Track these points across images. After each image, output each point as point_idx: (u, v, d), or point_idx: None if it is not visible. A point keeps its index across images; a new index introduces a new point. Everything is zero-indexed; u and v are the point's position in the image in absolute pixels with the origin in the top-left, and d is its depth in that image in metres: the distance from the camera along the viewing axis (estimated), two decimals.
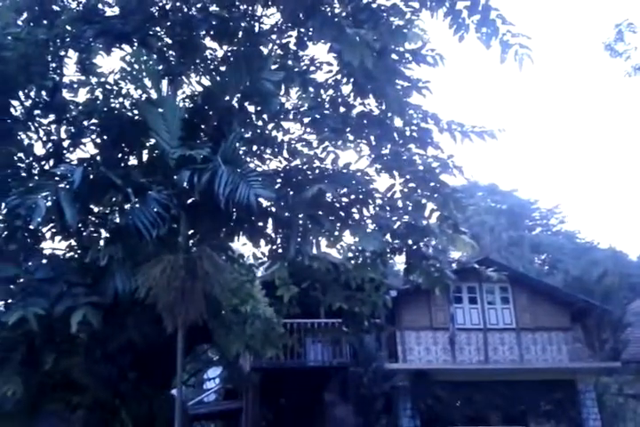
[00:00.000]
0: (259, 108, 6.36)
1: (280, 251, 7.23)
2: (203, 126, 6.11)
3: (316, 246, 6.52)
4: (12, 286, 5.88)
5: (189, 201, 5.80)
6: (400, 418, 14.25)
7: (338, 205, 6.74)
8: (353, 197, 6.72)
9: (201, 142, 5.78)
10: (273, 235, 6.99)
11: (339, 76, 6.77)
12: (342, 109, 6.91)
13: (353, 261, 7.67)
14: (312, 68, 6.82)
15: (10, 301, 5.82)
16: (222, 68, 6.52)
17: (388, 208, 6.78)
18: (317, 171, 6.86)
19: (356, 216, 6.77)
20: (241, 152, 5.82)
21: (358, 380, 14.22)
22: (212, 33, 6.47)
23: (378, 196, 6.84)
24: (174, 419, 6.42)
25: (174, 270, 5.59)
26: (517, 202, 37.14)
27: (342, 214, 6.72)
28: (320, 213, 6.38)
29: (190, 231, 6.11)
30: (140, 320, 6.59)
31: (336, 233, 6.80)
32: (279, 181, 6.49)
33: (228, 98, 5.96)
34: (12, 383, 6.56)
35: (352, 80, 6.59)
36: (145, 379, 7.66)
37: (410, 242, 7.05)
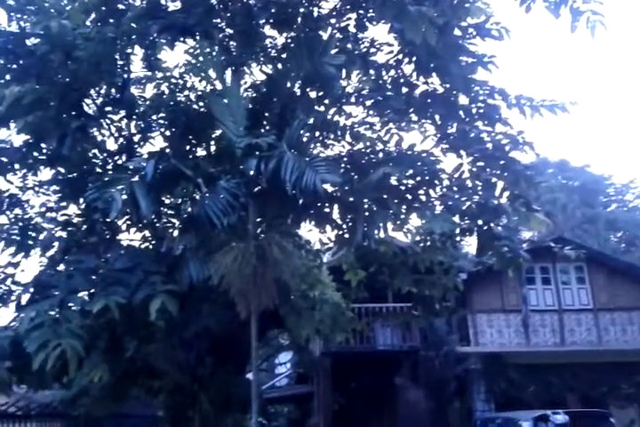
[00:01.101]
0: (320, 94, 6.33)
1: (346, 236, 7.22)
2: (267, 114, 6.15)
3: (382, 230, 6.46)
4: (93, 277, 6.13)
5: (257, 189, 5.86)
6: (474, 402, 14.10)
7: (403, 188, 6.65)
8: (419, 178, 6.60)
9: (266, 130, 5.81)
10: (339, 220, 6.99)
11: (400, 56, 6.65)
12: (405, 90, 6.79)
13: (421, 244, 7.57)
14: (372, 50, 6.73)
15: (92, 291, 6.07)
16: (283, 56, 6.53)
17: (456, 189, 6.63)
18: (381, 154, 6.78)
19: (423, 198, 6.66)
20: (305, 138, 5.82)
21: (429, 364, 14.12)
22: (271, 21, 6.48)
23: (445, 176, 6.70)
24: (250, 402, 6.59)
25: (245, 258, 5.68)
26: (590, 178, 35.52)
27: (409, 197, 6.63)
28: (386, 196, 6.31)
29: (258, 219, 6.18)
30: (215, 307, 6.76)
31: (402, 216, 6.72)
32: (343, 165, 6.45)
33: (290, 85, 5.96)
34: (98, 369, 6.89)
35: (414, 59, 6.46)
36: (221, 364, 7.88)
37: (480, 222, 6.88)
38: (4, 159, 6.77)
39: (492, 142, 6.57)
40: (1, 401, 8.43)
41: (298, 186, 5.20)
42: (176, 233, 6.49)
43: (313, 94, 6.41)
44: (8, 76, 6.02)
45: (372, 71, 6.65)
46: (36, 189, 7.52)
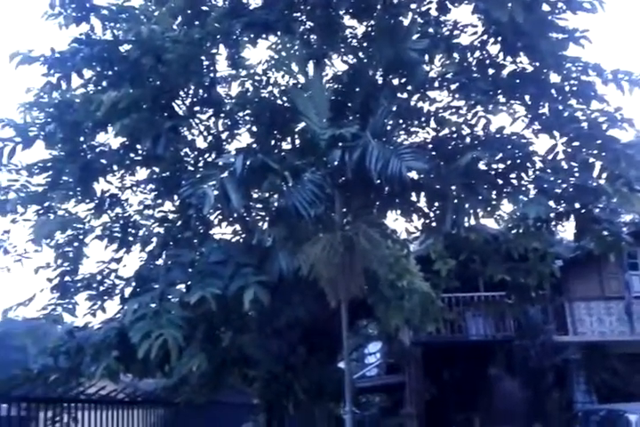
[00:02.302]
0: (403, 80, 6.25)
1: (434, 224, 7.09)
2: (350, 105, 6.14)
3: (472, 217, 6.29)
4: (190, 270, 6.38)
5: (342, 179, 5.88)
6: (573, 393, 13.53)
7: (493, 173, 6.43)
8: (510, 162, 6.36)
9: (349, 121, 5.81)
10: (426, 208, 6.88)
11: (485, 37, 6.43)
12: (491, 71, 6.55)
13: (514, 231, 7.30)
14: (456, 33, 6.55)
15: (189, 283, 6.33)
16: (364, 45, 6.49)
17: (550, 171, 6.30)
18: (469, 138, 6.59)
19: (515, 182, 6.41)
20: (389, 126, 5.76)
21: (525, 353, 13.67)
22: (351, 11, 6.44)
23: (538, 159, 6.40)
24: (342, 391, 6.64)
25: (333, 248, 5.72)
26: None
27: (499, 182, 6.40)
28: (475, 181, 6.13)
29: (344, 209, 6.19)
30: (305, 297, 6.86)
31: (493, 202, 6.50)
32: (429, 152, 6.33)
33: (372, 73, 5.92)
34: (196, 359, 7.19)
35: (500, 39, 6.21)
36: (313, 353, 8.00)
37: (578, 205, 6.53)
38: (104, 161, 7.19)
39: (588, 121, 6.21)
40: (110, 389, 8.96)
41: (383, 175, 5.16)
42: (265, 226, 6.64)
43: (396, 81, 6.33)
44: (105, 83, 6.37)
45: (455, 54, 6.46)
46: (134, 188, 7.94)
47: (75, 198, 7.50)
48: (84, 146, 7.05)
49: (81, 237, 7.79)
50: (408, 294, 8.01)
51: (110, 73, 6.32)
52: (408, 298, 7.98)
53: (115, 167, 7.39)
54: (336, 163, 5.41)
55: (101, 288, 7.87)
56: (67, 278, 7.79)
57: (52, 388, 7.53)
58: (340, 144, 5.32)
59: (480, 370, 14.38)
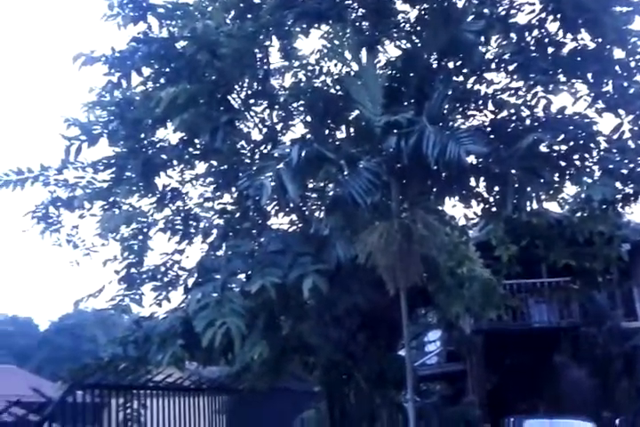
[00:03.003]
0: (459, 63, 6.12)
1: (494, 209, 6.94)
2: (404, 90, 6.07)
3: (535, 201, 6.12)
4: (250, 260, 6.50)
5: (398, 166, 5.83)
6: None
7: (556, 154, 6.22)
8: (572, 143, 6.13)
9: (404, 107, 5.75)
10: (485, 193, 6.74)
11: (543, 15, 6.19)
12: (551, 50, 6.31)
13: (578, 214, 7.06)
14: (512, 12, 6.33)
15: (249, 272, 6.45)
16: (418, 29, 6.38)
17: (616, 151, 6.06)
18: (528, 120, 6.39)
19: (579, 164, 6.18)
20: (445, 111, 5.67)
21: (591, 340, 13.28)
22: None
23: (602, 139, 6.14)
24: (403, 379, 6.64)
25: (390, 235, 5.70)
26: None
27: (562, 164, 6.19)
28: (536, 164, 5.95)
29: (401, 196, 6.15)
30: (363, 285, 6.87)
31: (556, 185, 6.31)
32: (488, 135, 6.19)
33: (426, 57, 5.83)
34: (258, 347, 7.34)
35: (559, 16, 5.98)
36: (372, 341, 8.02)
37: None
38: (164, 156, 7.40)
39: None
40: (176, 376, 9.26)
41: (440, 160, 5.09)
42: (322, 215, 6.68)
43: (451, 65, 6.21)
44: (163, 80, 6.54)
45: (513, 34, 6.27)
46: (194, 181, 8.15)
47: (138, 193, 7.77)
48: (145, 142, 7.27)
49: (145, 230, 8.07)
50: (468, 281, 7.92)
51: (168, 70, 6.48)
52: (468, 285, 7.89)
53: (175, 162, 7.60)
54: (392, 150, 5.36)
55: (166, 279, 8.14)
56: (133, 270, 8.10)
57: (122, 376, 7.86)
58: (396, 131, 5.27)
59: (544, 358, 14.06)
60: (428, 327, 16.07)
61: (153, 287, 8.09)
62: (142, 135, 7.13)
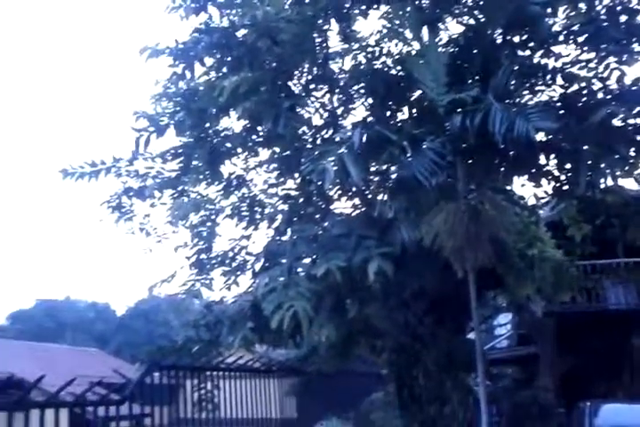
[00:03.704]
0: (525, 37, 5.89)
1: (566, 187, 6.69)
2: (468, 67, 5.91)
3: (610, 177, 5.85)
4: (314, 244, 6.57)
5: (463, 146, 5.70)
6: None
7: (631, 128, 5.90)
8: None
9: (469, 84, 5.60)
10: (556, 171, 6.50)
11: None
12: (623, 18, 5.96)
13: None
14: None
15: (315, 256, 6.52)
16: (481, 3, 6.17)
17: None
18: (601, 93, 6.08)
19: None
20: (512, 87, 5.49)
21: None
22: None
23: None
24: (472, 362, 6.56)
25: (457, 217, 5.61)
26: None
27: (638, 138, 5.88)
28: (610, 139, 5.68)
29: (467, 177, 6.02)
30: (430, 267, 6.80)
31: (632, 160, 5.99)
32: (557, 110, 5.94)
33: (490, 32, 5.64)
34: (325, 330, 7.43)
35: None
36: (440, 324, 7.95)
37: None
38: (229, 145, 7.56)
39: None
40: (246, 358, 9.53)
41: (508, 138, 4.94)
42: (385, 198, 6.65)
43: (517, 39, 5.99)
44: (225, 69, 6.65)
45: (581, 4, 5.95)
46: (257, 168, 8.31)
47: (205, 181, 8.00)
48: (210, 131, 7.45)
49: (213, 217, 8.31)
50: (539, 262, 7.67)
51: (230, 59, 6.58)
52: (539, 267, 7.64)
53: (239, 150, 7.75)
54: (457, 129, 5.25)
55: (234, 264, 8.37)
56: (202, 256, 8.38)
57: (196, 358, 8.17)
58: (460, 109, 5.16)
59: (622, 341, 13.48)
60: (497, 310, 15.76)
61: (222, 272, 8.34)
62: (207, 124, 7.30)
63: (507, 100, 5.14)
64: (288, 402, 11.37)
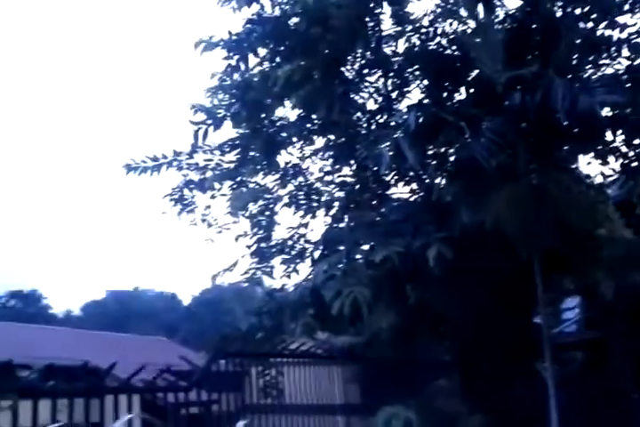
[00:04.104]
0: (586, 9, 5.62)
1: (634, 164, 6.39)
2: (527, 43, 5.71)
3: None
4: (372, 230, 6.55)
5: (524, 124, 5.54)
6: None
7: None
8: None
9: (528, 60, 5.42)
10: (623, 147, 6.21)
11: None
12: None
13: None
14: None
15: (373, 243, 6.50)
16: None
17: None
18: None
19: None
20: (574, 61, 5.27)
21: None
22: None
23: None
24: (539, 347, 6.40)
25: (519, 198, 5.47)
26: None
27: None
28: None
29: (529, 156, 5.85)
30: (492, 251, 6.66)
31: None
32: (624, 84, 5.66)
33: (549, 6, 5.42)
34: (385, 316, 7.42)
35: None
36: (504, 308, 7.78)
37: None
38: (284, 134, 7.62)
39: None
40: (309, 345, 9.62)
41: (571, 114, 4.76)
42: (444, 181, 6.55)
43: (578, 11, 5.73)
44: (278, 59, 6.69)
45: None
46: (313, 157, 8.33)
47: (262, 171, 8.11)
48: (266, 121, 7.53)
49: (271, 206, 8.41)
50: (608, 243, 7.37)
51: (282, 48, 6.61)
52: (608, 247, 7.35)
53: (294, 139, 7.82)
54: (517, 107, 5.10)
55: (293, 252, 8.45)
56: (262, 245, 8.50)
57: (259, 345, 8.32)
58: (520, 86, 5.01)
59: None
60: (565, 294, 15.26)
61: (282, 260, 8.44)
62: (262, 115, 7.37)
63: (569, 75, 4.95)
64: (351, 389, 11.42)
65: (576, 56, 5.46)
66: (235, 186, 8.38)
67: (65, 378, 5.72)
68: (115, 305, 51.26)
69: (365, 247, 6.64)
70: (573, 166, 6.73)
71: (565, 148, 6.08)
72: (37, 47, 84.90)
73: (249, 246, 8.48)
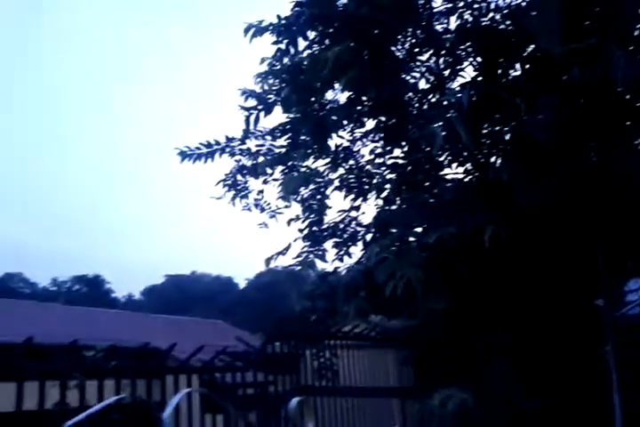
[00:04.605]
0: None
1: None
2: (585, 15, 5.46)
3: None
4: (425, 212, 6.49)
5: (583, 100, 5.33)
6: None
7: None
8: None
9: (586, 32, 5.19)
10: None
11: None
12: None
13: None
14: None
15: (425, 225, 6.44)
16: None
17: None
18: None
19: None
20: (636, 32, 5.01)
21: None
22: None
23: None
24: (601, 330, 6.22)
25: (579, 177, 5.29)
26: None
27: None
28: None
29: (589, 133, 5.62)
30: (550, 232, 6.47)
31: None
32: None
33: None
34: (438, 298, 7.33)
35: None
36: (564, 290, 7.57)
37: None
38: (335, 117, 7.60)
39: None
40: (362, 328, 9.67)
41: (633, 87, 4.55)
42: (499, 160, 6.39)
43: None
44: (327, 41, 6.65)
45: None
46: (364, 139, 8.27)
47: (313, 155, 8.12)
48: (316, 105, 7.52)
49: (322, 189, 8.44)
50: None
51: (332, 30, 6.57)
52: None
53: (344, 121, 7.77)
54: (575, 81, 4.91)
55: (345, 235, 8.47)
56: (314, 228, 8.55)
57: (313, 327, 8.41)
58: (578, 60, 4.80)
59: None
60: (628, 275, 14.71)
61: (334, 244, 8.48)
62: (313, 99, 7.37)
63: (630, 47, 4.70)
64: (406, 371, 11.42)
65: (638, 27, 5.18)
66: (286, 170, 8.44)
67: (127, 359, 5.97)
68: (173, 289, 52.94)
69: (418, 229, 6.58)
70: (636, 142, 6.44)
71: (628, 123, 5.80)
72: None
73: (301, 230, 8.56)
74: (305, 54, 7.02)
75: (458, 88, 6.42)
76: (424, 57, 7.01)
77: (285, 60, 7.29)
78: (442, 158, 7.16)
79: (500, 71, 6.31)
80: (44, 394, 4.79)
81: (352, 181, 8.32)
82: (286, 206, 9.01)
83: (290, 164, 8.42)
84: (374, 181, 8.17)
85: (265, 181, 8.78)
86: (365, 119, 7.78)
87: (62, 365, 5.21)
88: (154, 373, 5.97)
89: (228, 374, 7.02)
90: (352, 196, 8.35)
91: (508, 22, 6.13)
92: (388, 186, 7.90)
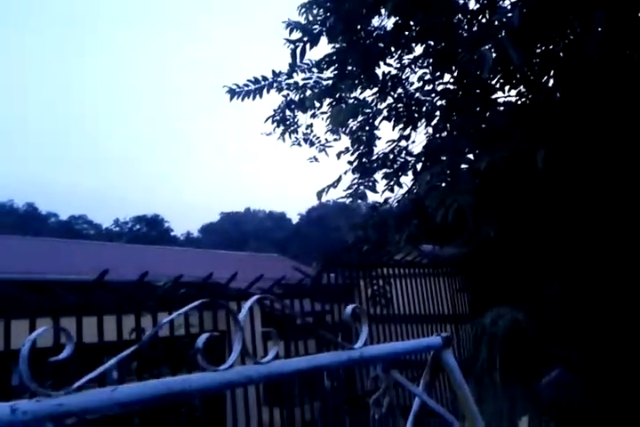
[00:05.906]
0: None
1: None
2: None
3: None
4: (476, 137, 6.42)
5: None
6: None
7: None
8: None
9: None
10: None
11: None
12: None
13: None
14: None
15: (477, 151, 6.38)
16: None
17: None
18: None
19: None
20: None
21: None
22: None
23: None
24: None
25: (634, 96, 5.09)
26: None
27: None
28: None
29: None
30: (611, 154, 6.25)
31: None
32: None
33: None
34: (491, 225, 7.31)
35: None
36: (628, 216, 7.39)
37: None
38: (381, 45, 7.44)
39: None
40: (414, 255, 9.86)
41: None
42: (552, 81, 6.18)
43: None
44: None
45: None
46: (412, 66, 8.09)
47: (360, 86, 8.04)
48: (362, 33, 7.37)
49: (370, 120, 8.40)
50: None
51: None
52: None
53: (392, 49, 7.61)
54: None
55: (395, 165, 8.49)
56: (364, 160, 8.60)
57: (366, 257, 8.65)
58: None
59: None
60: None
61: (384, 174, 8.53)
62: (358, 27, 7.22)
63: None
64: (459, 298, 11.62)
65: None
66: (334, 103, 8.41)
67: (192, 289, 6.35)
68: (229, 226, 54.62)
69: (470, 156, 6.53)
70: None
71: None
72: None
73: (351, 162, 8.63)
74: None
75: (509, 6, 6.14)
76: None
77: None
78: (493, 82, 6.98)
79: None
80: (121, 325, 5.02)
81: (401, 109, 8.23)
82: (335, 139, 9.08)
83: (337, 95, 8.37)
84: (423, 108, 8.07)
85: (313, 115, 8.81)
86: (413, 45, 7.60)
87: (137, 296, 5.56)
88: (217, 299, 6.35)
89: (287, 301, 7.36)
90: (401, 125, 8.29)
91: None
92: (437, 113, 7.79)
